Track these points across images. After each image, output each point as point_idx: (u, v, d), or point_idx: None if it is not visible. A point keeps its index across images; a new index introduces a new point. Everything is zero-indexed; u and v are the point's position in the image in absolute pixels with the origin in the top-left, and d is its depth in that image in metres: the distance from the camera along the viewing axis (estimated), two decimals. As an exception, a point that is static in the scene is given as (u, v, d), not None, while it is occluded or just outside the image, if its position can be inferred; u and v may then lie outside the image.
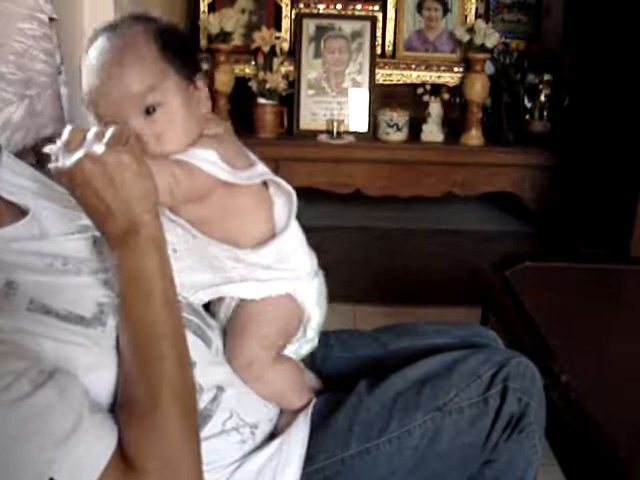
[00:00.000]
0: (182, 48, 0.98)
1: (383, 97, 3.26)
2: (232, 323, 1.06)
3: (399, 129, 3.12)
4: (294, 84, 3.12)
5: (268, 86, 3.01)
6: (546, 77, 3.18)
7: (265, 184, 1.05)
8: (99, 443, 0.77)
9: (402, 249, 3.16)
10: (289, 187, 1.04)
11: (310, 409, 1.04)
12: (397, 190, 3.19)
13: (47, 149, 0.84)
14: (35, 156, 1.10)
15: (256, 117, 3.07)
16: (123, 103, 0.91)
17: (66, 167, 0.80)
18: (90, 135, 0.81)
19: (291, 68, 3.12)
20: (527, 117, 3.23)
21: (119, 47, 0.93)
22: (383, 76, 3.21)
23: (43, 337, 0.79)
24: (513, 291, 1.72)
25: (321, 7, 3.21)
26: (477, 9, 3.32)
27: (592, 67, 3.26)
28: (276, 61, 3.05)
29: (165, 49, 0.94)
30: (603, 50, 3.26)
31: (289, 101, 3.12)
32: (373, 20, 3.18)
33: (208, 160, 0.93)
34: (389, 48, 3.27)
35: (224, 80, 3.01)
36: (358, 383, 1.06)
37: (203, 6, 3.15)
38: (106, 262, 0.93)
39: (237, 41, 3.06)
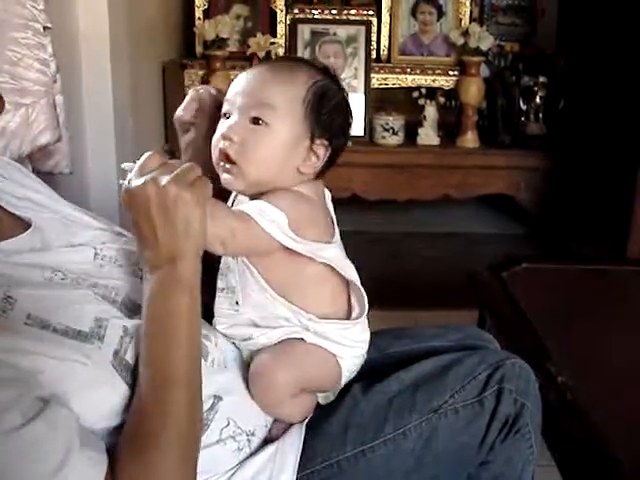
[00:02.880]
0: (328, 110, 0.99)
1: (379, 101, 3.27)
2: (266, 353, 1.01)
3: (395, 133, 3.13)
4: (290, 89, 3.12)
5: (264, 92, 3.01)
6: (541, 79, 3.18)
7: None
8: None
9: (399, 252, 3.17)
10: (360, 286, 1.03)
11: None
12: (394, 194, 3.20)
13: (124, 165, 0.89)
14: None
15: (252, 123, 3.07)
16: (245, 99, 0.97)
17: (131, 187, 0.84)
18: (165, 165, 0.86)
19: (286, 74, 3.12)
20: (522, 119, 3.23)
21: (283, 67, 1.02)
22: (378, 80, 3.21)
23: (38, 354, 0.78)
24: (510, 293, 1.72)
25: (316, 12, 3.21)
26: (471, 12, 3.33)
27: (587, 69, 3.28)
28: (272, 67, 3.05)
29: (312, 99, 0.98)
30: (598, 52, 3.28)
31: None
32: (368, 25, 3.19)
33: (274, 221, 0.93)
34: (384, 52, 3.28)
35: (220, 86, 3.01)
36: (353, 386, 1.06)
37: (198, 13, 3.15)
38: (107, 279, 0.94)
39: (233, 47, 3.08)
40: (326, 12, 3.21)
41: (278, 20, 3.21)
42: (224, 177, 0.97)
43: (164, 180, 0.82)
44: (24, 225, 0.94)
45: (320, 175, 1.04)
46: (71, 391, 0.79)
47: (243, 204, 0.97)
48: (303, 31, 3.16)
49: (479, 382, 1.03)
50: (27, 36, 1.39)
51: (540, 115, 3.22)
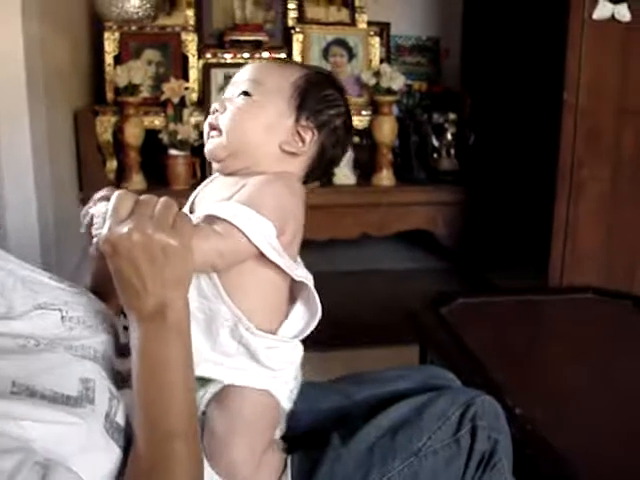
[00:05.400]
0: (316, 97, 1.00)
1: (294, 142, 3.28)
2: (213, 425, 0.96)
3: (312, 173, 3.14)
4: (205, 134, 3.09)
5: (179, 137, 2.98)
6: (451, 116, 3.28)
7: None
8: None
9: (321, 292, 3.15)
10: (319, 306, 1.01)
11: (289, 473, 1.00)
12: (313, 234, 3.19)
13: (93, 210, 0.84)
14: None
15: (168, 169, 3.03)
16: (238, 79, 1.02)
17: (113, 235, 0.78)
18: (141, 206, 0.80)
19: (201, 118, 3.08)
20: (435, 156, 3.32)
21: (275, 60, 1.08)
22: (293, 122, 3.23)
23: (30, 421, 0.73)
24: (451, 329, 1.74)
25: (228, 57, 3.21)
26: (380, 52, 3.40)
27: (493, 105, 3.40)
28: (186, 112, 3.03)
29: (302, 84, 1.00)
30: (502, 88, 3.41)
31: (201, 152, 3.07)
32: (280, 67, 3.21)
33: (262, 234, 0.89)
34: (297, 94, 3.30)
35: (134, 133, 2.97)
36: (331, 437, 1.03)
37: (109, 59, 3.10)
38: (80, 339, 0.88)
39: (145, 93, 3.03)
40: (238, 56, 3.22)
41: (190, 65, 3.19)
42: (207, 147, 1.00)
43: (149, 227, 0.78)
44: None
45: (309, 181, 1.05)
46: (66, 455, 0.74)
47: (218, 205, 0.92)
48: (216, 75, 3.15)
49: (453, 422, 1.03)
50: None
51: (452, 151, 3.32)
